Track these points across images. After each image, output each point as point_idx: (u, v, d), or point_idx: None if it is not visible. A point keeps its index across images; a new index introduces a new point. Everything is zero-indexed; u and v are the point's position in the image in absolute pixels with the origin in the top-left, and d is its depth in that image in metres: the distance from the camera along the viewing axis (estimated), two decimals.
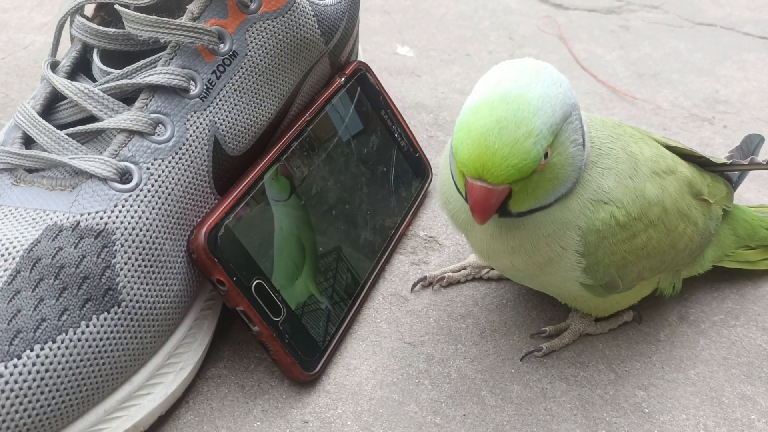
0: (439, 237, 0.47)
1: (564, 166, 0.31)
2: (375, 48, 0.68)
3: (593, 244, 0.33)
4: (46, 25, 0.68)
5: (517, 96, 0.29)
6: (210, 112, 0.36)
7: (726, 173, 0.42)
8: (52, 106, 0.36)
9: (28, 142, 0.35)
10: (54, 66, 0.37)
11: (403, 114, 0.58)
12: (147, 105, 0.34)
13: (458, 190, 0.34)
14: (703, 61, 0.69)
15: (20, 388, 0.28)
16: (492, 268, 0.44)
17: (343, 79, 0.45)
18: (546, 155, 0.29)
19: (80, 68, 0.37)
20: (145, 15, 0.34)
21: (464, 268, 0.44)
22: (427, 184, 0.50)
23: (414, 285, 0.43)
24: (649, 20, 0.76)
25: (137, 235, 0.33)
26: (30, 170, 0.34)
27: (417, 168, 0.49)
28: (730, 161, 0.41)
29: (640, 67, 0.67)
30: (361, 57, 0.56)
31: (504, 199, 0.30)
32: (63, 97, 0.36)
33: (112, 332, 0.31)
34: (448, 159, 0.35)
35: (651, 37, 0.73)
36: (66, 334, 0.30)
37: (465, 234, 0.37)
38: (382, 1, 0.77)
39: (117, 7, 0.35)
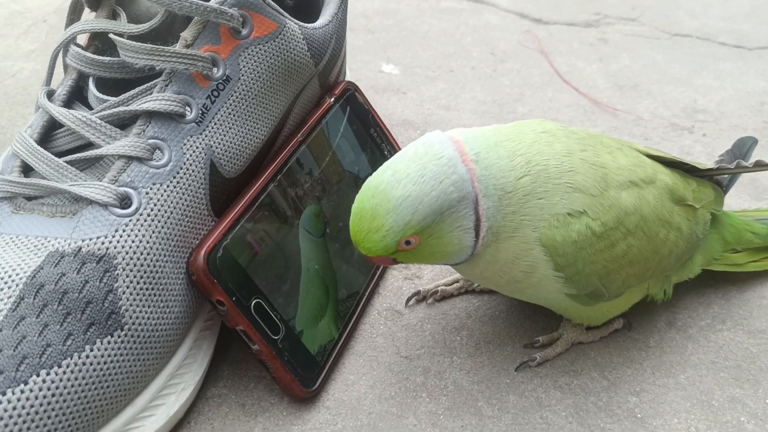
0: None
1: (446, 245, 0.34)
2: (361, 66, 0.69)
3: (571, 255, 0.34)
4: (33, 52, 0.68)
5: (383, 192, 0.32)
6: (206, 136, 0.37)
7: (716, 177, 0.43)
8: (49, 134, 0.36)
9: (26, 170, 0.35)
10: (50, 95, 0.37)
11: (391, 131, 0.59)
12: (144, 131, 0.35)
13: None
14: (680, 71, 0.70)
15: (27, 414, 0.28)
16: None
17: (332, 99, 0.46)
18: (409, 242, 0.33)
19: (75, 96, 0.38)
20: (139, 43, 0.35)
21: (457, 281, 0.45)
22: None
23: (408, 299, 0.44)
24: (626, 33, 0.78)
25: (138, 259, 0.33)
26: (29, 198, 0.35)
27: None
28: (717, 166, 0.42)
29: (619, 78, 0.69)
30: (348, 76, 0.57)
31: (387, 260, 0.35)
32: (59, 125, 0.36)
33: (115, 355, 0.32)
34: None
35: (629, 50, 0.74)
36: (71, 359, 0.30)
37: None
38: (365, 21, 0.78)
39: (112, 36, 0.36)
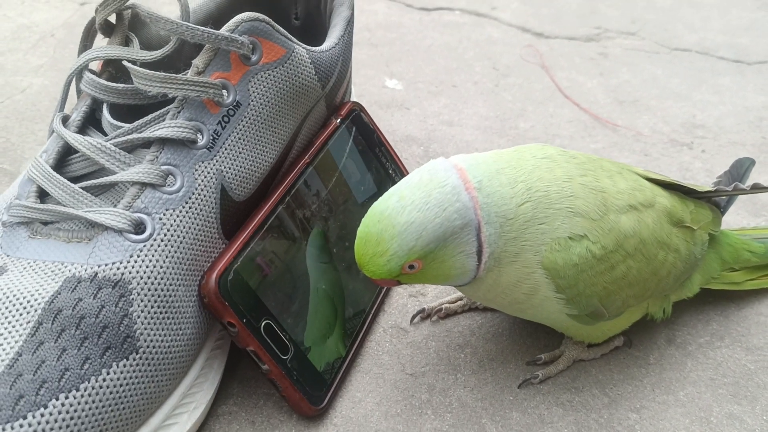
0: None
1: (449, 270, 0.35)
2: (364, 81, 0.70)
3: (572, 277, 0.35)
4: (42, 67, 0.69)
5: (388, 217, 0.34)
6: (216, 162, 0.38)
7: (713, 198, 0.44)
8: (64, 159, 0.37)
9: (42, 195, 0.36)
10: (65, 120, 0.38)
11: (395, 147, 0.60)
12: (157, 157, 0.36)
13: None
14: (680, 86, 0.71)
15: None
16: None
17: (339, 120, 0.47)
18: (412, 266, 0.34)
19: (89, 121, 0.39)
20: (153, 71, 0.36)
21: (460, 299, 0.46)
22: None
23: (413, 317, 0.45)
24: (626, 47, 0.79)
25: (152, 284, 0.34)
26: (45, 223, 0.35)
27: None
28: (714, 188, 0.43)
29: (619, 93, 0.70)
30: (353, 91, 0.58)
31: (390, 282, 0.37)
32: (74, 151, 0.37)
33: (131, 378, 0.32)
34: None
35: (629, 64, 0.75)
36: (89, 382, 0.31)
37: None
38: (369, 34, 0.79)
39: (125, 63, 0.37)
